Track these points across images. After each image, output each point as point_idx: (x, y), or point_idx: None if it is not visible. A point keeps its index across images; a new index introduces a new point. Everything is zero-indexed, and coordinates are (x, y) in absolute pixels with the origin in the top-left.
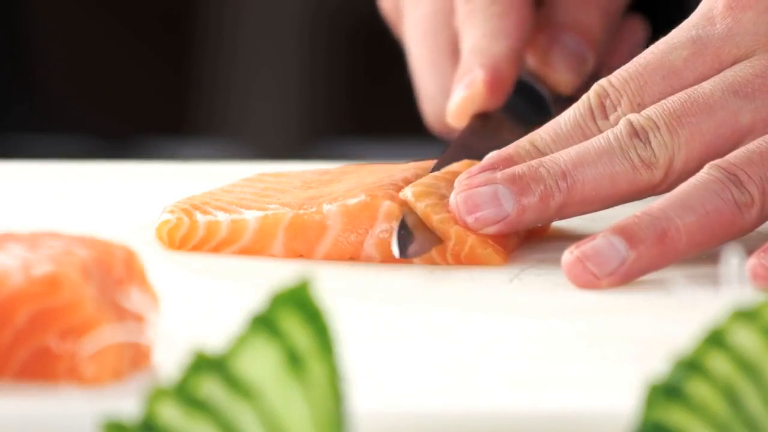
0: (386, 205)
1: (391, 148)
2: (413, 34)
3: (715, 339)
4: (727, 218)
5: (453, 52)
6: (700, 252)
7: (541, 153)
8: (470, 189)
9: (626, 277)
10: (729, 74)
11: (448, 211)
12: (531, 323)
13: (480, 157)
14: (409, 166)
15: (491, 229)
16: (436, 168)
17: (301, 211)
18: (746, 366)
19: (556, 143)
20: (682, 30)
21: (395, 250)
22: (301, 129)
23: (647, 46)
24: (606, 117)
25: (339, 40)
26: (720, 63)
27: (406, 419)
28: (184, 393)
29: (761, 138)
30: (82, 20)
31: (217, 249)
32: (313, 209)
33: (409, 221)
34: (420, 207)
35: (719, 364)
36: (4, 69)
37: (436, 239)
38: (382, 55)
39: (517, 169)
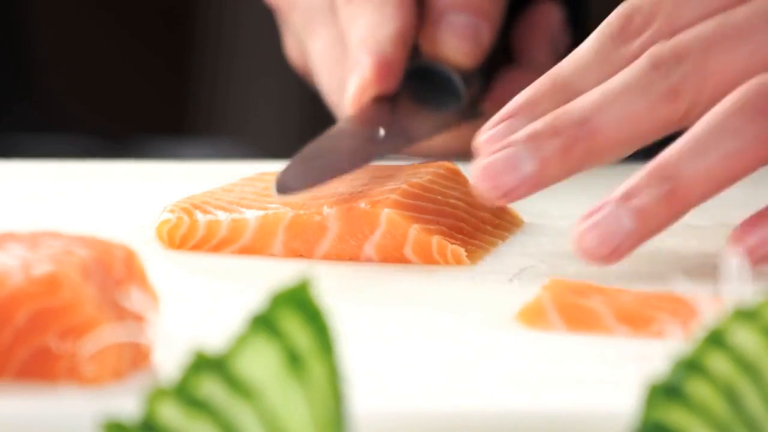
0: (386, 213)
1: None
2: (319, 67)
3: (715, 339)
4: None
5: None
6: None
7: (562, 89)
8: (489, 156)
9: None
10: (762, 1)
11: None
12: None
13: (379, 126)
14: (411, 167)
15: (518, 193)
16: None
17: (302, 211)
18: (746, 366)
19: (579, 75)
20: None
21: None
22: (301, 129)
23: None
24: (630, 40)
25: None
26: None
27: (406, 419)
28: (184, 393)
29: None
30: (82, 20)
31: (217, 248)
32: (313, 210)
33: None
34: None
35: (719, 364)
36: (4, 69)
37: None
38: None
39: (535, 125)
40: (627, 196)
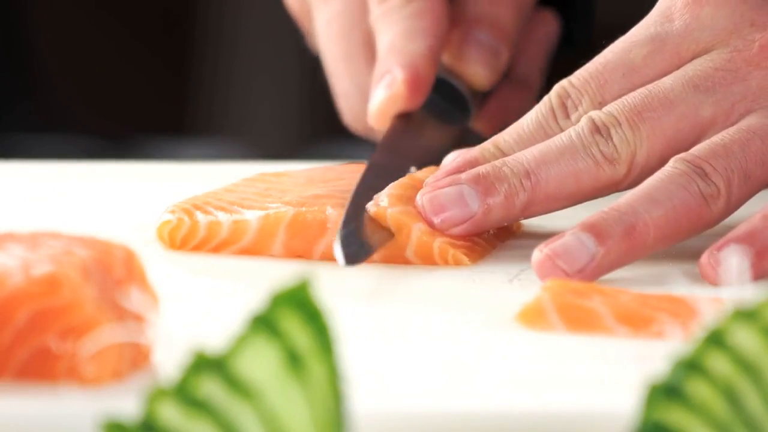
0: (391, 212)
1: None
2: (325, 32)
3: (715, 339)
4: (694, 211)
5: (367, 50)
6: (668, 246)
7: (505, 154)
8: (435, 190)
9: (596, 273)
10: (689, 69)
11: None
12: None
13: (409, 158)
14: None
15: (458, 230)
16: (368, 172)
17: (303, 209)
18: (746, 366)
19: (519, 144)
20: (641, 28)
21: (339, 258)
22: (301, 129)
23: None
24: (568, 116)
25: None
26: (680, 59)
27: (406, 419)
28: (184, 393)
29: (724, 131)
30: (83, 20)
31: (217, 249)
32: (316, 207)
33: (352, 228)
34: (391, 212)
35: (719, 364)
36: (4, 69)
37: (388, 235)
38: None
39: (481, 169)
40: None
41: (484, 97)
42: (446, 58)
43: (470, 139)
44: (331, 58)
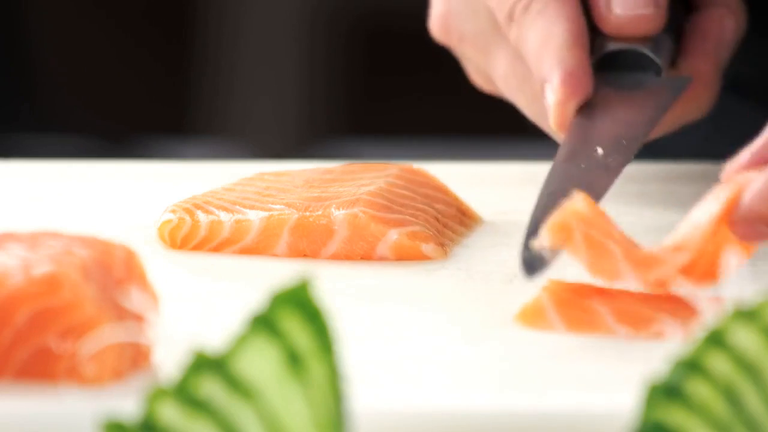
0: (396, 217)
1: (391, 147)
2: (504, 86)
3: (715, 339)
4: None
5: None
6: None
7: None
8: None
9: None
10: None
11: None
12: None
13: (601, 143)
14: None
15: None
16: (552, 175)
17: (307, 213)
18: (746, 366)
19: None
20: None
21: (525, 272)
22: (301, 129)
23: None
24: None
25: (338, 40)
26: None
27: (406, 419)
28: (184, 393)
29: None
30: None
31: (218, 248)
32: (320, 212)
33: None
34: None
35: (719, 364)
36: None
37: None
38: (381, 55)
39: None
40: None
41: (676, 37)
42: (605, 29)
43: (680, 87)
44: (526, 109)
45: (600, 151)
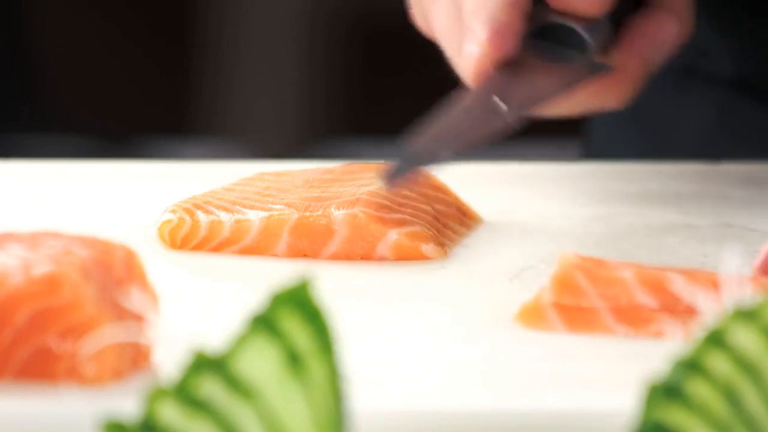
0: (395, 216)
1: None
2: (439, 32)
3: (715, 339)
4: None
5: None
6: None
7: None
8: None
9: None
10: None
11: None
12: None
13: (505, 99)
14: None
15: None
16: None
17: (308, 213)
18: (746, 366)
19: None
20: None
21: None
22: (301, 129)
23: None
24: None
25: (337, 41)
26: None
27: (406, 419)
28: (184, 393)
29: None
30: (83, 21)
31: (218, 248)
32: (320, 212)
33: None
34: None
35: (719, 364)
36: (5, 69)
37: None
38: (380, 55)
39: None
40: None
41: (615, 28)
42: (552, 1)
43: (596, 71)
44: (452, 59)
45: (501, 105)
